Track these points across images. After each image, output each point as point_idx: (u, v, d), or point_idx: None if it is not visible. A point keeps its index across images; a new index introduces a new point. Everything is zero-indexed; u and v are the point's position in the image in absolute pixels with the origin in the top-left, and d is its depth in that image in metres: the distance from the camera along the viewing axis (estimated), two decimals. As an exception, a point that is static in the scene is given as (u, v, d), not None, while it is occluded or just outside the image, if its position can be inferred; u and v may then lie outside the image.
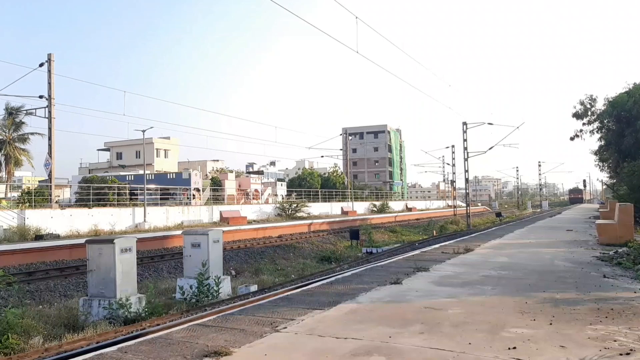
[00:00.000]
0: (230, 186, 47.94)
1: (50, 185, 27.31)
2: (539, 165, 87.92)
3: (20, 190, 36.40)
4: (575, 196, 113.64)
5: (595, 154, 38.32)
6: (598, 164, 39.35)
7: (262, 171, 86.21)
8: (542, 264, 10.70)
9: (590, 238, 16.90)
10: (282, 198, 52.70)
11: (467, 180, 42.24)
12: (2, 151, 45.96)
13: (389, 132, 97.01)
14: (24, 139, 47.16)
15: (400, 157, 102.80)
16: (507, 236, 19.09)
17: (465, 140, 40.07)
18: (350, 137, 72.01)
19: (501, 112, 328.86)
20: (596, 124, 34.18)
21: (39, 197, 28.81)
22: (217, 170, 64.36)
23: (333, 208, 50.93)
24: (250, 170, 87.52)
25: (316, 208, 47.17)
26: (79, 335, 8.92)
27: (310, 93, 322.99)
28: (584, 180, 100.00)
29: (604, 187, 61.35)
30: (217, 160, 71.06)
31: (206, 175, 55.81)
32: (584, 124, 34.55)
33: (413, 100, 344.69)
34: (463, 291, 7.63)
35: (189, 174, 42.32)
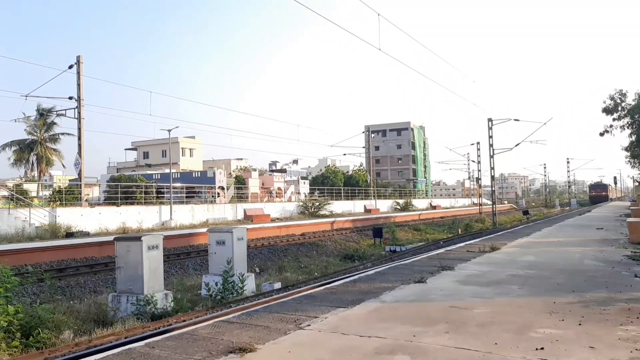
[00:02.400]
0: (253, 184, 48.30)
1: (80, 184, 27.95)
2: (568, 162, 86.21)
3: (51, 189, 37.38)
4: (598, 194, 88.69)
5: (626, 150, 37.26)
6: (629, 161, 38.26)
7: (285, 169, 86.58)
8: (571, 263, 10.48)
9: (621, 237, 16.47)
10: (305, 196, 52.79)
11: (493, 177, 41.62)
12: (34, 151, 47.26)
13: (412, 129, 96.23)
14: (55, 139, 48.37)
15: (424, 155, 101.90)
16: (534, 234, 18.76)
17: (490, 136, 39.49)
18: (372, 135, 71.77)
19: (528, 108, 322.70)
20: (627, 119, 33.21)
21: (69, 195, 29.52)
22: (241, 169, 64.93)
23: (356, 206, 50.82)
24: (273, 168, 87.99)
25: (339, 206, 47.15)
26: (108, 330, 9.11)
27: (332, 91, 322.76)
28: (615, 177, 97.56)
29: (636, 184, 59.74)
30: (241, 159, 71.69)
31: (230, 173, 56.34)
32: (614, 119, 33.59)
33: (437, 96, 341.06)
34: (489, 290, 7.53)
35: (214, 173, 42.82)
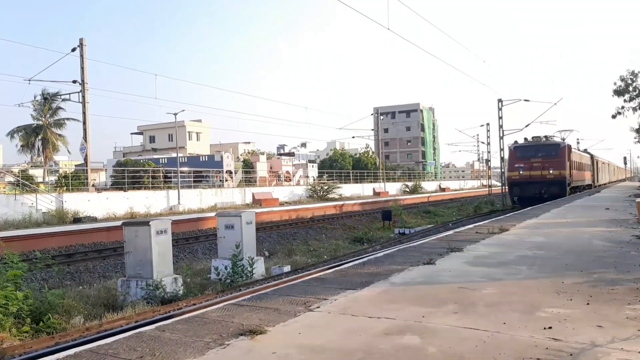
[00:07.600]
0: (261, 168, 48.36)
1: (87, 169, 28.11)
2: (578, 142, 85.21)
3: (57, 175, 37.61)
4: (531, 176, 30.94)
5: (637, 131, 36.86)
6: (639, 141, 37.89)
7: (293, 153, 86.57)
8: (580, 243, 10.43)
9: (630, 217, 16.34)
10: (314, 179, 52.84)
11: (502, 159, 41.38)
12: (40, 136, 47.38)
13: (421, 111, 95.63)
14: (60, 124, 48.43)
15: (434, 137, 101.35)
16: (543, 216, 18.66)
17: (500, 117, 39.15)
18: (381, 117, 71.36)
19: (538, 88, 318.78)
20: (638, 100, 32.77)
21: (75, 181, 29.72)
22: (249, 153, 65.03)
23: (365, 189, 50.80)
24: (282, 152, 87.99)
25: (348, 189, 47.16)
26: (119, 314, 9.19)
27: (340, 72, 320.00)
28: (625, 158, 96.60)
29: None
30: (249, 143, 71.80)
31: (238, 157, 56.43)
32: (625, 100, 33.19)
33: (446, 77, 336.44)
34: (498, 271, 7.52)
35: (221, 157, 42.91)
